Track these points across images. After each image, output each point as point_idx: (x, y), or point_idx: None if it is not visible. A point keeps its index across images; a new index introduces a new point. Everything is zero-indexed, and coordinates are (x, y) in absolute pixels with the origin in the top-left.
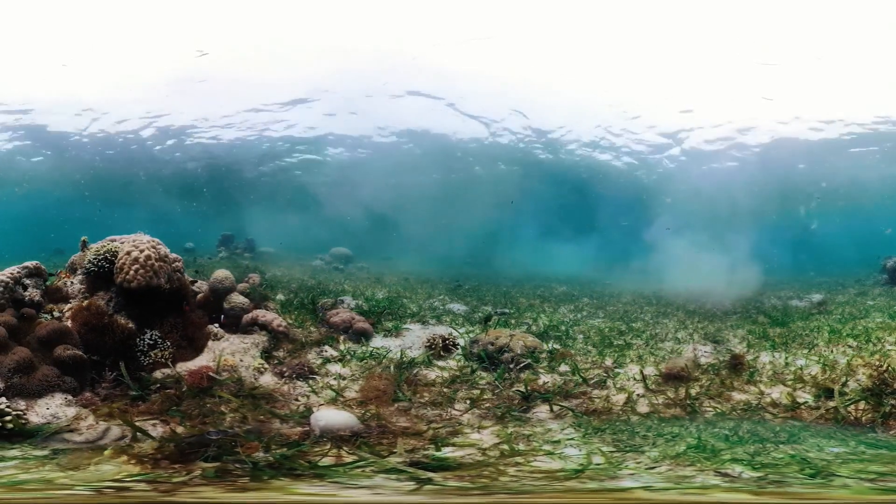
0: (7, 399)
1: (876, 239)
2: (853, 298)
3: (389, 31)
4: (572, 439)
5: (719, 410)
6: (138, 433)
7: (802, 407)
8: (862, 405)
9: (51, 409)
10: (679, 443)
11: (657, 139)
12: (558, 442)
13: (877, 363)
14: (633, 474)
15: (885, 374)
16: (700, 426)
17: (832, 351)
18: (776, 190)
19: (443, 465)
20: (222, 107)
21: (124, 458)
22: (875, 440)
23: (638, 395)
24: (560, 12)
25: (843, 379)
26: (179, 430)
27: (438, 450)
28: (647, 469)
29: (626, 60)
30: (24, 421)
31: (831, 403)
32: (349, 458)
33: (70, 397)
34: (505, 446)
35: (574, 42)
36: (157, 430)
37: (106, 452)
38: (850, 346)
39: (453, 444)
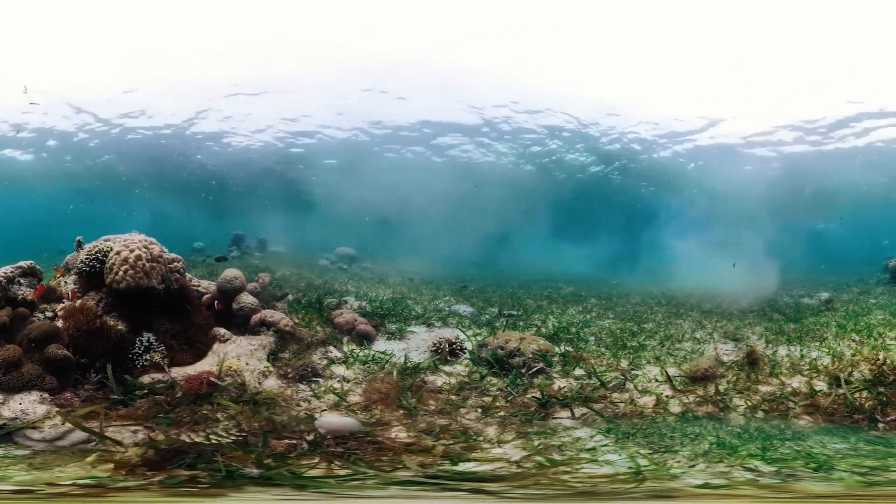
0: None
1: (878, 243)
2: (857, 297)
3: (396, 29)
4: (605, 445)
5: (749, 404)
6: (106, 439)
7: (819, 394)
8: (865, 394)
9: (22, 404)
10: (702, 441)
11: (666, 139)
12: (594, 449)
13: (874, 357)
14: (683, 472)
15: (884, 367)
16: (716, 425)
17: (839, 344)
18: (787, 192)
19: (467, 478)
20: (233, 108)
21: (109, 465)
22: (875, 437)
23: (667, 396)
24: (565, 13)
25: (849, 370)
26: (160, 437)
27: (456, 464)
28: (689, 467)
29: (638, 60)
30: None
31: (840, 391)
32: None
33: (45, 396)
34: (539, 458)
35: (584, 43)
36: (137, 436)
37: (89, 459)
38: (853, 341)
39: (475, 460)
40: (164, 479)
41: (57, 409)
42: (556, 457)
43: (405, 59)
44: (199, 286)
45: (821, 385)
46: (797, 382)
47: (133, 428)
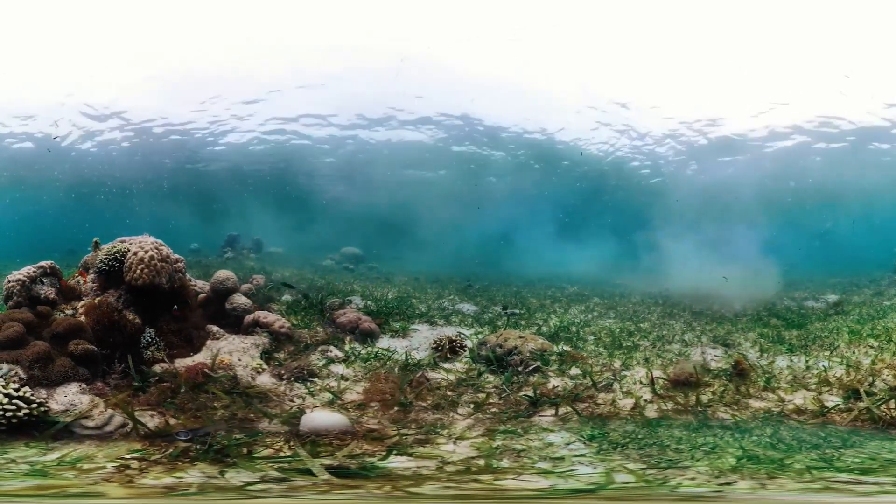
0: (29, 388)
1: (890, 241)
2: (869, 299)
3: (401, 27)
4: (581, 455)
5: (738, 418)
6: (137, 424)
7: (833, 410)
8: (893, 404)
9: (68, 396)
10: (723, 455)
11: (669, 139)
12: (561, 459)
13: None
14: (717, 492)
15: None
16: (735, 435)
17: (854, 352)
18: (790, 191)
19: (363, 474)
20: (231, 107)
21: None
22: None
23: (645, 400)
24: (567, 14)
25: (870, 379)
26: (173, 421)
27: (385, 458)
28: (720, 485)
29: (638, 60)
30: (45, 408)
31: (861, 404)
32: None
33: (84, 385)
34: (481, 461)
35: (586, 42)
36: (153, 420)
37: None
38: (871, 347)
39: (409, 455)
40: (170, 452)
41: (96, 397)
42: (505, 463)
43: (412, 57)
44: (195, 285)
45: (834, 399)
46: (800, 399)
47: (150, 412)
